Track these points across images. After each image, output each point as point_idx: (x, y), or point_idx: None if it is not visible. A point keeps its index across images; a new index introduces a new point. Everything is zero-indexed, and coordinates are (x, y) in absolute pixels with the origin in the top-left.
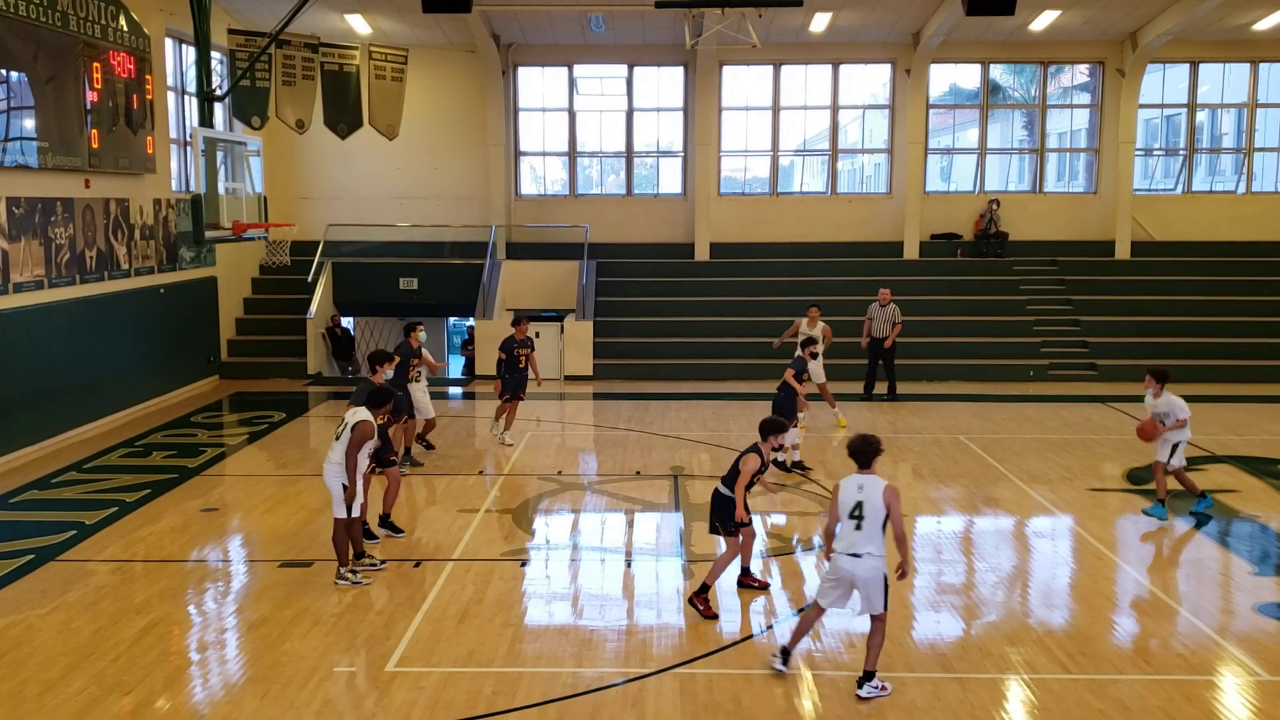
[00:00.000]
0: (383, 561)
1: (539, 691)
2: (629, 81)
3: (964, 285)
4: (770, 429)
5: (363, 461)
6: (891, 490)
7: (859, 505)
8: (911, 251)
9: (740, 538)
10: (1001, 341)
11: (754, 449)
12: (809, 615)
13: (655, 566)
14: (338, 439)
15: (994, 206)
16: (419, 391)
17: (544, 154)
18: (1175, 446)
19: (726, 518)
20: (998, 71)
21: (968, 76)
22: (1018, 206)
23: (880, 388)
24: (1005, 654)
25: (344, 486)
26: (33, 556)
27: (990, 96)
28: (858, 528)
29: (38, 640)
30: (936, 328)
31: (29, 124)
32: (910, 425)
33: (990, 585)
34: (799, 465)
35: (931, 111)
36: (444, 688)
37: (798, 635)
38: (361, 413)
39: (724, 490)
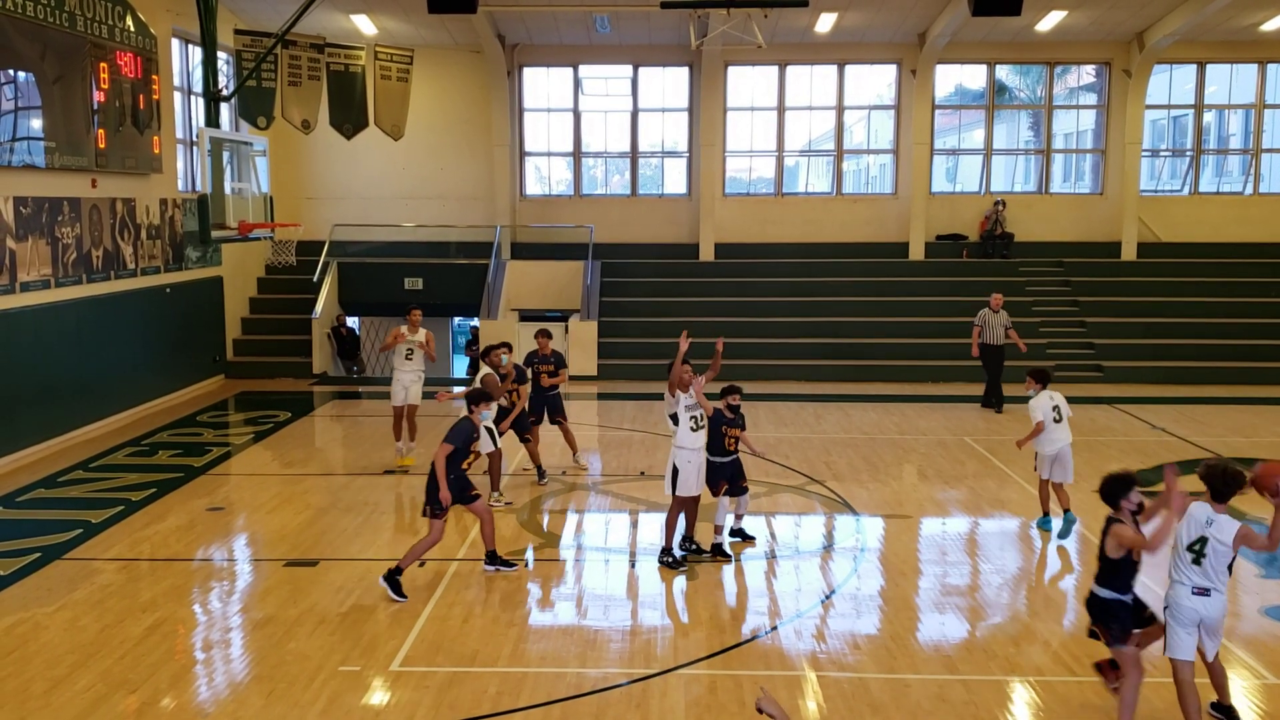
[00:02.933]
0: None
1: (543, 691)
2: (634, 82)
3: (969, 286)
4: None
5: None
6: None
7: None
8: (917, 252)
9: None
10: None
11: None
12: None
13: (659, 567)
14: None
15: (1000, 207)
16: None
17: (549, 154)
18: (1039, 458)
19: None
20: (1004, 72)
21: (973, 77)
22: (1023, 207)
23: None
24: (1010, 656)
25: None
26: (39, 555)
27: (996, 97)
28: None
29: (44, 638)
30: (941, 328)
31: (36, 124)
32: (915, 426)
33: (995, 587)
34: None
35: (937, 112)
36: (449, 687)
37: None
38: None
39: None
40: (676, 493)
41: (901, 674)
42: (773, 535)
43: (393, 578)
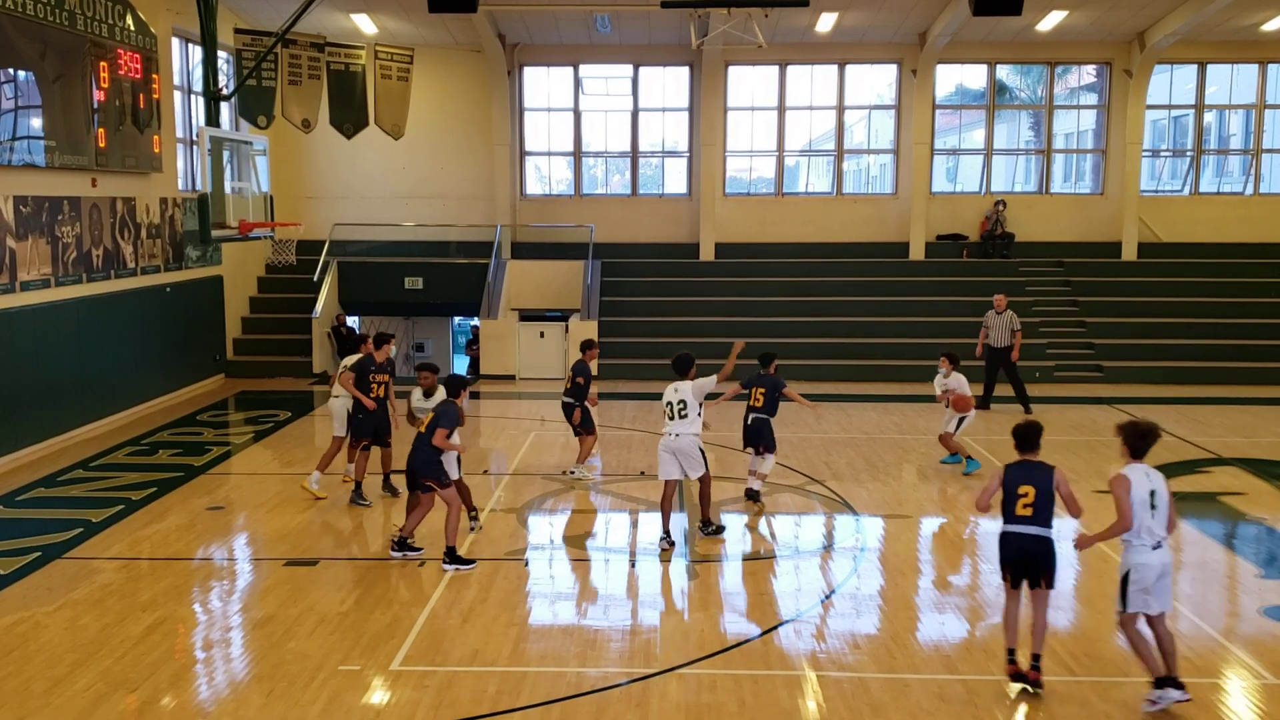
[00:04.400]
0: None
1: (543, 691)
2: (634, 81)
3: (970, 286)
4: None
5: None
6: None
7: (1152, 494)
8: (917, 252)
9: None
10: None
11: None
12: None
13: (659, 567)
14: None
15: (1000, 207)
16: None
17: (549, 154)
18: (962, 420)
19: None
20: (1004, 72)
21: (974, 77)
22: (1024, 207)
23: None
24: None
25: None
26: (39, 554)
27: (997, 97)
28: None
29: (44, 637)
30: (941, 329)
31: (36, 123)
32: (915, 426)
33: (995, 587)
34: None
35: (938, 112)
36: (448, 687)
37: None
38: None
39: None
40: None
41: (901, 674)
42: (773, 535)
43: (454, 557)
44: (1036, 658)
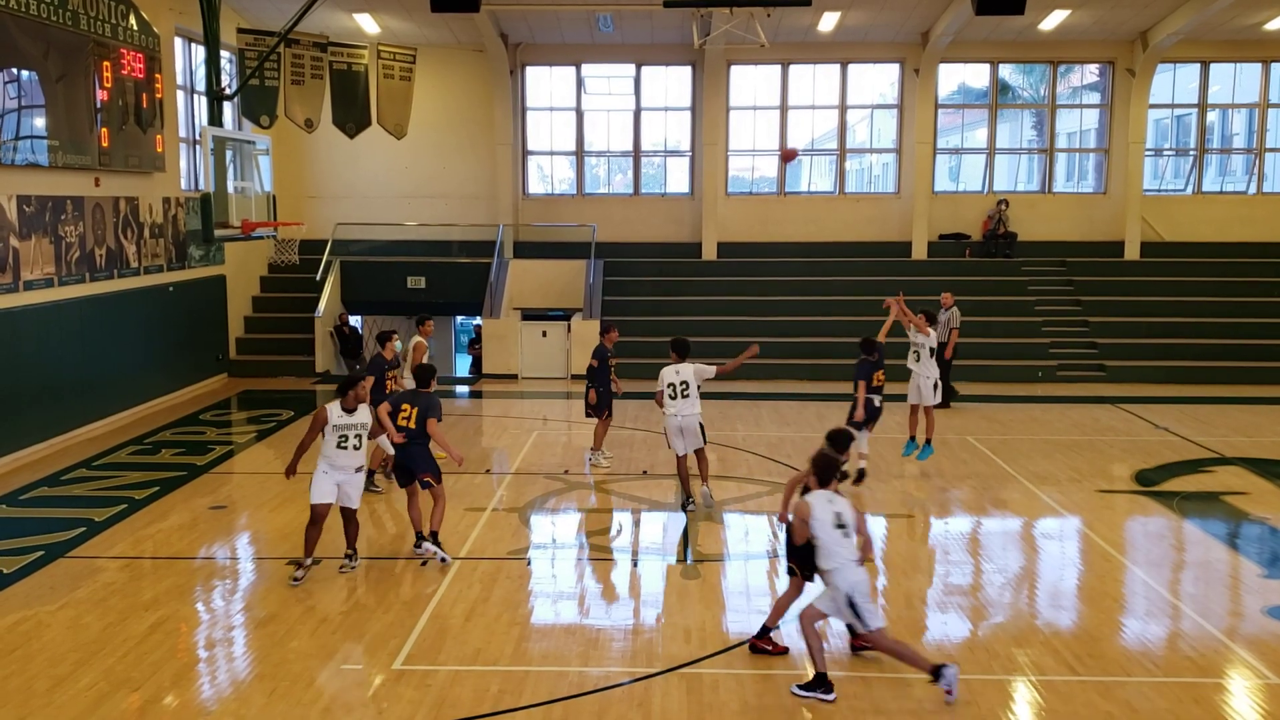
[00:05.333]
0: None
1: (545, 690)
2: (637, 81)
3: (972, 286)
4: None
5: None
6: None
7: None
8: (920, 251)
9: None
10: (1010, 342)
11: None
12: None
13: (661, 566)
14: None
15: (1002, 206)
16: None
17: (551, 153)
18: (936, 385)
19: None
20: (1007, 71)
21: (976, 76)
22: (1026, 206)
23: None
24: (1012, 655)
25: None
26: (42, 553)
27: (999, 96)
28: (846, 535)
29: (47, 636)
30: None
31: (39, 122)
32: None
33: (998, 586)
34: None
35: (940, 111)
36: (450, 686)
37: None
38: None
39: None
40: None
41: (904, 674)
42: (775, 534)
43: (436, 539)
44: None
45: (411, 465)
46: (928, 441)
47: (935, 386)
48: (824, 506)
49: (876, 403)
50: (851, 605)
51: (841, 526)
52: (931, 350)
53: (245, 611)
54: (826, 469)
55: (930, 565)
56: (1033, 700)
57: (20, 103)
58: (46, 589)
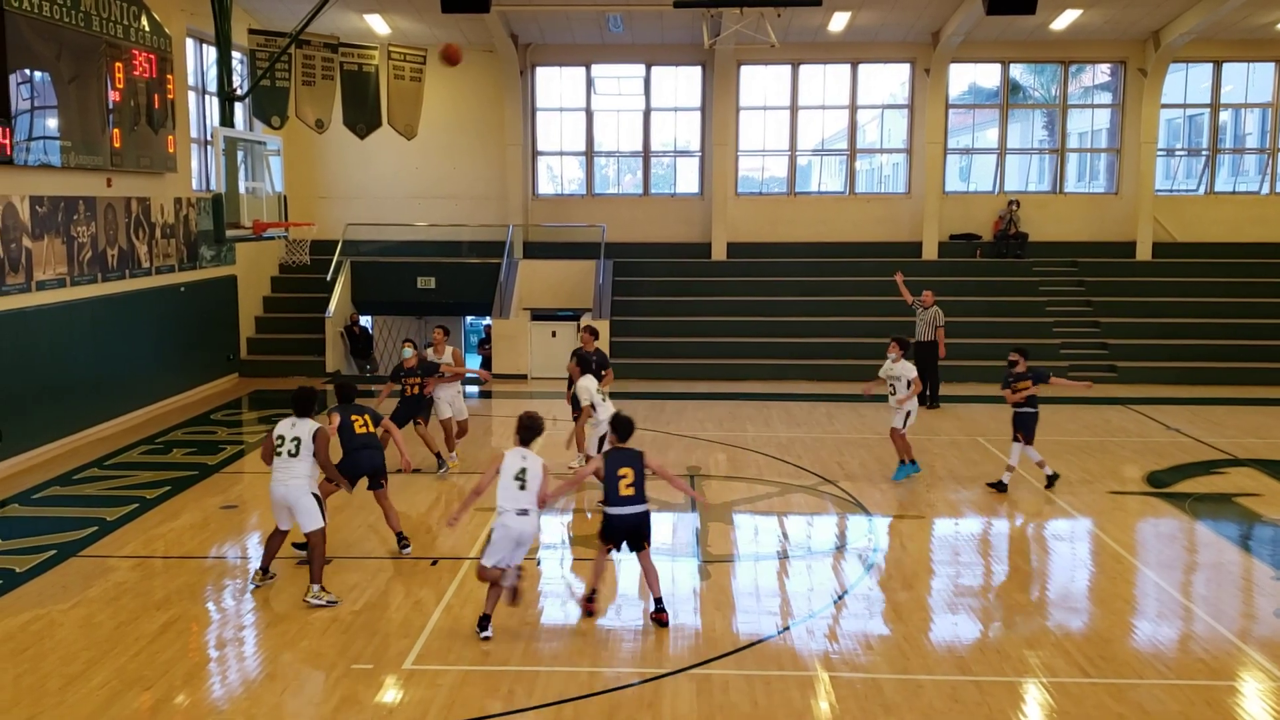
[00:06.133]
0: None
1: (555, 691)
2: (646, 81)
3: (983, 286)
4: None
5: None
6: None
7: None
8: (930, 252)
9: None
10: (1021, 342)
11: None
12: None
13: (671, 567)
14: (294, 455)
15: (1013, 207)
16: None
17: (561, 154)
18: (909, 414)
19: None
20: (1018, 71)
21: (987, 76)
22: (1037, 207)
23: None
24: (1024, 657)
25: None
26: (54, 552)
27: (1010, 96)
28: (522, 488)
29: (59, 635)
30: (955, 329)
31: (52, 123)
32: (928, 427)
33: (1008, 588)
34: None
35: (951, 111)
36: (461, 685)
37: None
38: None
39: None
40: None
41: (915, 674)
42: (785, 535)
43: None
44: (659, 601)
45: (378, 468)
46: (909, 461)
47: (907, 416)
48: (514, 460)
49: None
50: (488, 538)
51: (520, 480)
52: (909, 383)
53: (256, 611)
54: (526, 429)
55: (941, 567)
56: (1044, 702)
57: (33, 103)
58: (59, 588)
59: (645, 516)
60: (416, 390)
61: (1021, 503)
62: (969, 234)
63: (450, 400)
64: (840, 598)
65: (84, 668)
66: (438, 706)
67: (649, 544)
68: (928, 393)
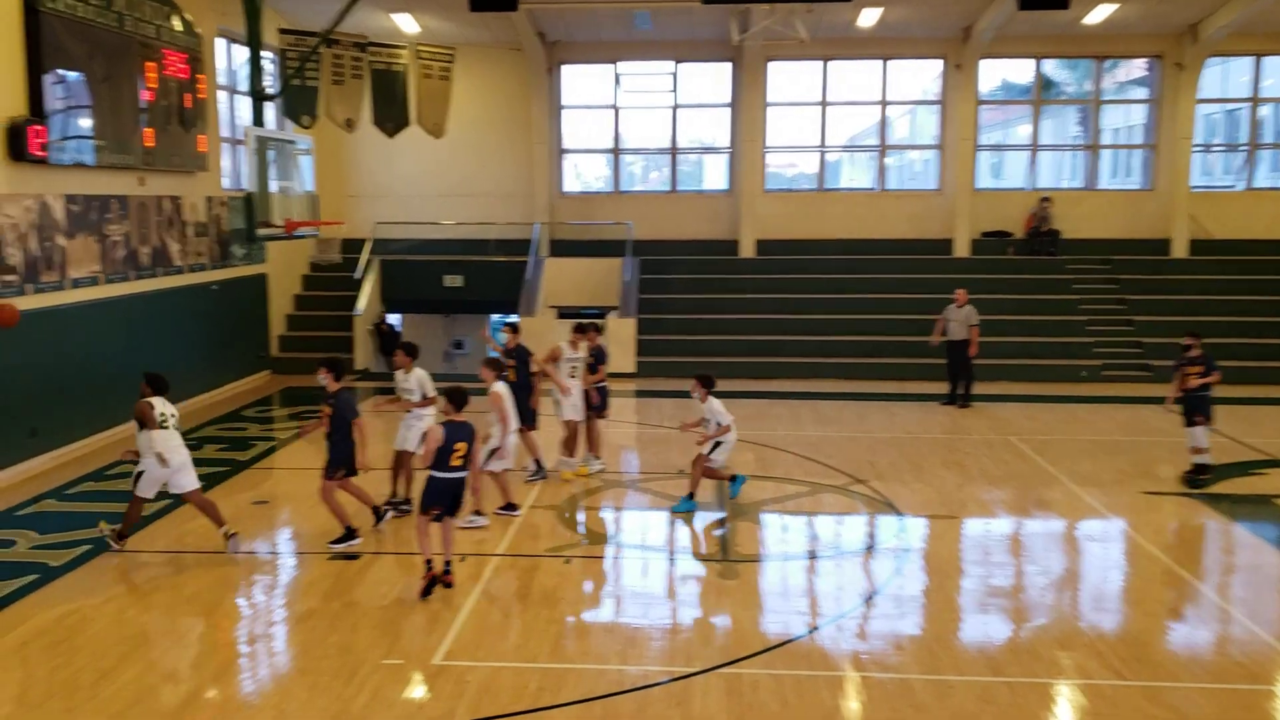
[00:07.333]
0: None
1: (584, 688)
2: (674, 77)
3: (1015, 284)
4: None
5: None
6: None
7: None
8: (962, 249)
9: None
10: (1053, 341)
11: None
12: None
13: (699, 565)
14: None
15: (1046, 204)
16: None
17: (588, 151)
18: (717, 445)
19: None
20: (1050, 66)
21: (1020, 71)
22: (1071, 204)
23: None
24: (1056, 658)
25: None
26: (89, 547)
27: (1043, 92)
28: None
29: (92, 630)
30: (986, 327)
31: (86, 123)
32: (960, 426)
33: (1040, 588)
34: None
35: (982, 107)
36: (490, 681)
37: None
38: None
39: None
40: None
41: (945, 675)
42: (815, 535)
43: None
44: (448, 564)
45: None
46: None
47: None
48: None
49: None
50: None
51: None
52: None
53: (286, 606)
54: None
55: (972, 566)
56: (1078, 704)
57: (67, 103)
58: (92, 583)
59: (462, 484)
60: (514, 376)
61: (1054, 503)
62: (1001, 231)
63: (574, 402)
64: (870, 597)
65: (116, 662)
66: (467, 702)
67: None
68: (959, 391)
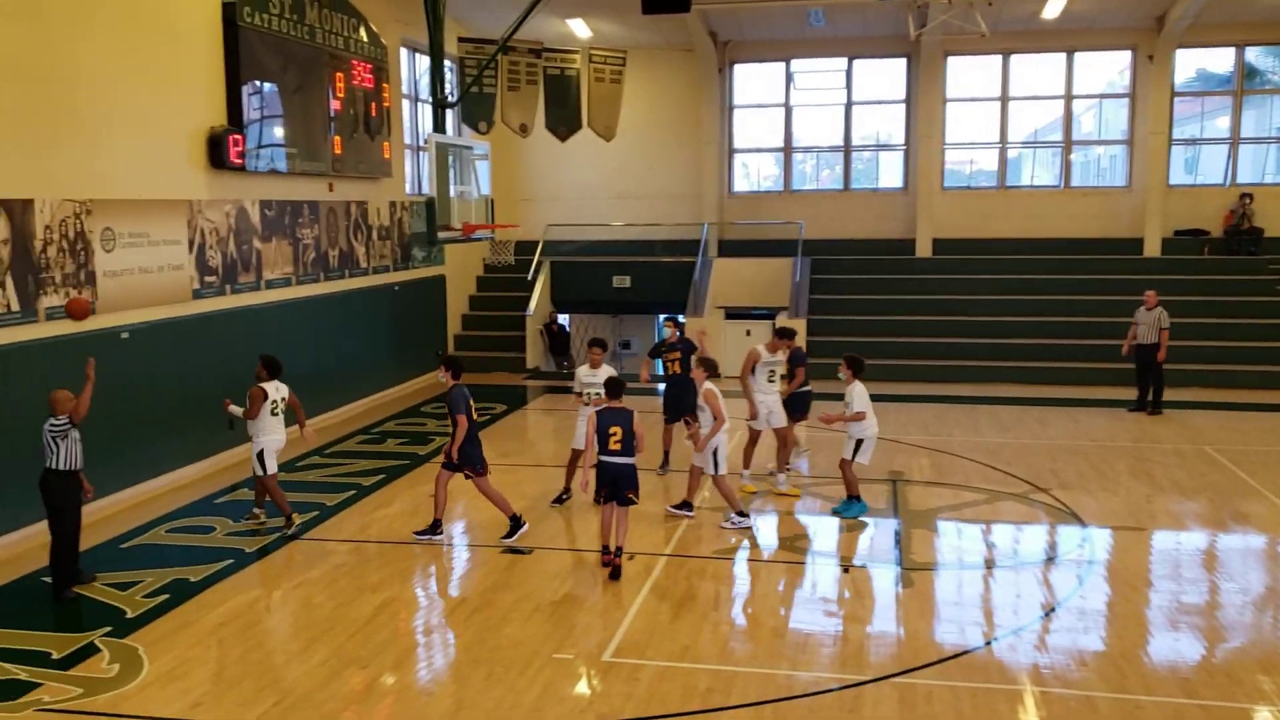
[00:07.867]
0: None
1: (753, 691)
2: (848, 74)
3: (1212, 285)
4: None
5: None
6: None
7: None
8: (1153, 249)
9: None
10: (1254, 346)
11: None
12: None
13: (872, 572)
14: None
15: (1246, 200)
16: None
17: (758, 150)
18: (860, 444)
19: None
20: (1254, 54)
21: (1219, 60)
22: (1274, 200)
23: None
24: (1258, 683)
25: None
26: (279, 534)
27: (1245, 81)
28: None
29: (282, 614)
30: (1180, 331)
31: (279, 132)
32: (1150, 435)
33: (1238, 607)
34: None
35: (1177, 99)
36: (659, 681)
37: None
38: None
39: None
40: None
41: (1133, 694)
42: (993, 544)
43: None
44: (619, 550)
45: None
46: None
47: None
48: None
49: None
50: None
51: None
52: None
53: (462, 597)
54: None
55: (1161, 581)
56: None
57: (262, 114)
58: (282, 569)
59: (629, 469)
60: (678, 369)
61: (1254, 517)
62: (1196, 229)
63: (771, 407)
64: (1051, 610)
65: (304, 646)
66: (636, 700)
67: (634, 499)
68: (1149, 398)
